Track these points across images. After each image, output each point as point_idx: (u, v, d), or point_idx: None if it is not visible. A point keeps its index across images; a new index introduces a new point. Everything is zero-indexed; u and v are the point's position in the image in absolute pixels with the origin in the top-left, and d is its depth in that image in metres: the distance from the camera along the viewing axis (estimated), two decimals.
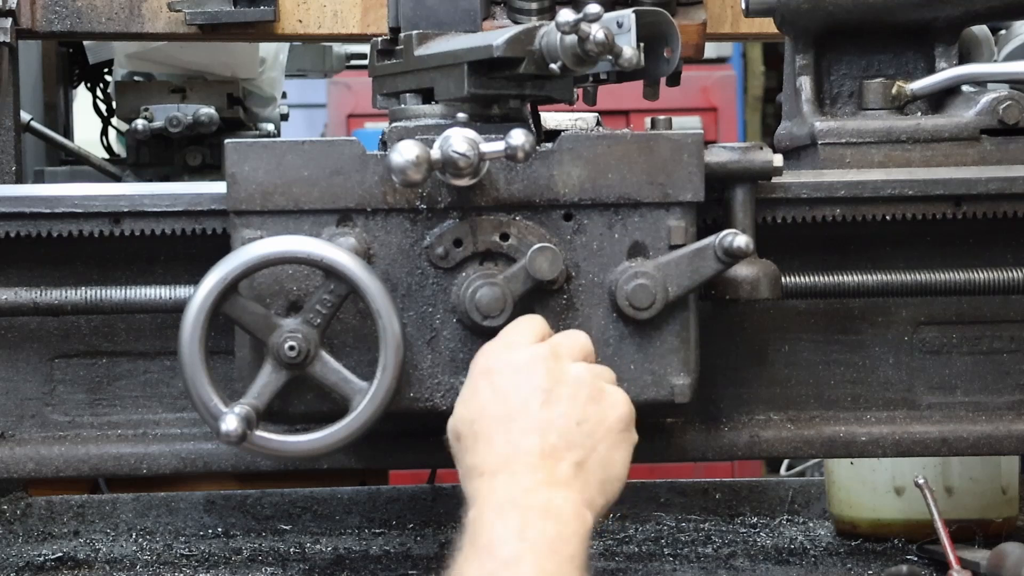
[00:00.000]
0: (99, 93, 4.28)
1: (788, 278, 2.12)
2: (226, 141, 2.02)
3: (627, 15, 1.82)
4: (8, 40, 2.53)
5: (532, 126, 2.07)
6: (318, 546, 2.63)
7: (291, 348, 1.92)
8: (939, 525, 2.25)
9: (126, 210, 2.10)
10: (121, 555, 2.57)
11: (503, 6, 2.17)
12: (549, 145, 2.01)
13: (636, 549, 2.55)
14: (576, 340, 1.86)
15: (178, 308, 1.97)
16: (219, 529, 2.75)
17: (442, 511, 2.75)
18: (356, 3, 2.77)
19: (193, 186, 2.14)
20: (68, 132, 4.25)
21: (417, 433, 2.13)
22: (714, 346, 2.17)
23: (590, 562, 1.64)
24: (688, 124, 4.06)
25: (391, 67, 2.09)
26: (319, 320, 1.94)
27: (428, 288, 2.01)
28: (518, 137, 1.88)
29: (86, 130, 4.42)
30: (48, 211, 2.10)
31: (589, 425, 1.75)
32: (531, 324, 1.89)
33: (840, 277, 2.14)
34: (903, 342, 2.24)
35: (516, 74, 1.91)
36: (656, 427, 2.19)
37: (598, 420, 1.76)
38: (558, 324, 2.00)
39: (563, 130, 2.08)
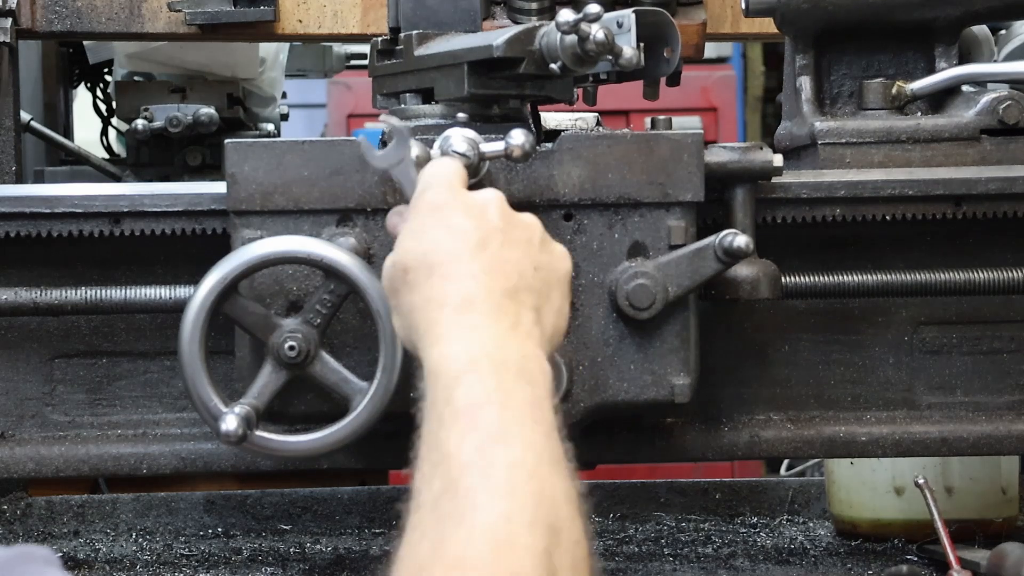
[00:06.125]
0: (99, 93, 4.27)
1: (788, 278, 2.12)
2: (226, 141, 2.02)
3: (627, 15, 1.82)
4: (8, 40, 2.53)
5: (532, 126, 2.07)
6: (318, 546, 2.62)
7: (291, 348, 1.92)
8: (939, 525, 2.25)
9: (126, 210, 2.10)
10: (121, 555, 2.57)
11: (503, 6, 2.17)
12: (549, 145, 2.01)
13: (636, 549, 2.55)
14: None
15: (178, 308, 1.97)
16: (219, 529, 2.75)
17: None
18: (356, 3, 2.77)
19: (193, 186, 2.14)
20: (68, 132, 4.24)
21: None
22: (714, 346, 2.17)
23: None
24: (688, 124, 4.05)
25: (391, 67, 2.09)
26: (319, 320, 1.93)
27: None
28: (518, 137, 1.88)
29: (86, 130, 4.42)
30: (48, 211, 2.10)
31: (544, 272, 1.65)
32: (455, 165, 1.78)
33: (840, 277, 2.14)
34: (903, 342, 2.24)
35: (516, 74, 1.91)
36: (656, 427, 2.19)
37: (550, 268, 1.67)
38: None
39: (563, 130, 2.08)
